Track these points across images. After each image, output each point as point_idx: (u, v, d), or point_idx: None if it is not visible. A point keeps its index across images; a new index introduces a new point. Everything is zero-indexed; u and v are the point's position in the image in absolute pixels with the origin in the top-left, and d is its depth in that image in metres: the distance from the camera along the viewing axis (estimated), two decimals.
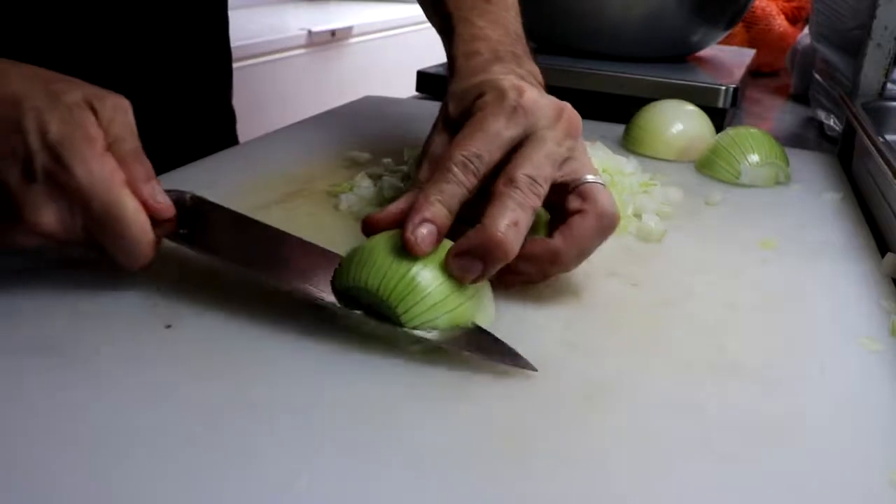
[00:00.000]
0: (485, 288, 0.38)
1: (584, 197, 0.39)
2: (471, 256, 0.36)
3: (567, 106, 0.42)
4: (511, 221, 0.36)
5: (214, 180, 0.56)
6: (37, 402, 0.31)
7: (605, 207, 0.39)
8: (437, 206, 0.37)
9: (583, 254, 0.40)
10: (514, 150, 0.40)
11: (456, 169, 0.38)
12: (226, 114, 0.82)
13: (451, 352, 0.35)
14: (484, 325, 0.37)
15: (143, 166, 0.38)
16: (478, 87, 0.43)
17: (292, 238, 0.42)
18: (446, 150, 0.40)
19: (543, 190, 0.38)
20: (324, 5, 2.49)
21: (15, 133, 0.35)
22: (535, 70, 0.48)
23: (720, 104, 0.78)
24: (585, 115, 0.81)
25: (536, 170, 0.38)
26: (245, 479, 0.27)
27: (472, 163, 0.38)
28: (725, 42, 1.03)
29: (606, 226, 0.39)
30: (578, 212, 0.39)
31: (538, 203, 0.38)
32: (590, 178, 0.40)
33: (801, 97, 1.05)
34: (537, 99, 0.41)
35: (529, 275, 0.40)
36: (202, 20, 0.74)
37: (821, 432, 0.32)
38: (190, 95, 0.73)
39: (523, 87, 0.41)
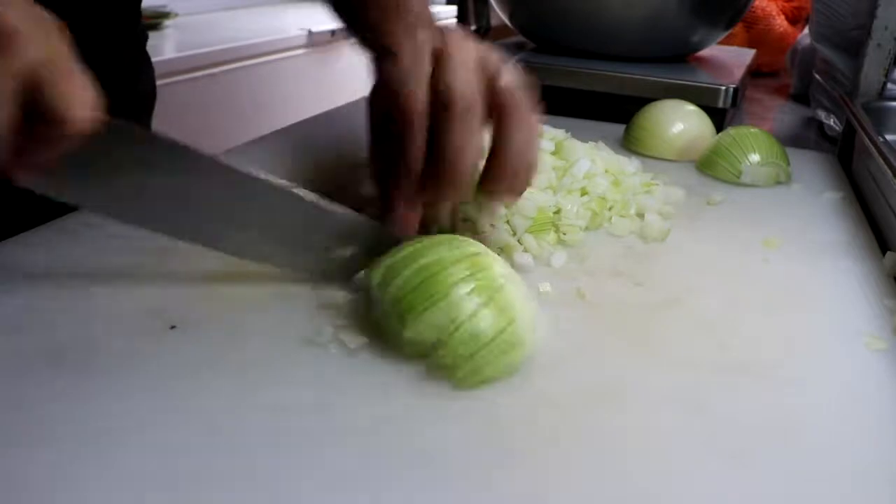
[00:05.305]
0: (527, 310, 0.35)
1: (500, 103, 0.40)
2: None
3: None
4: (461, 146, 0.39)
5: None
6: (42, 406, 0.31)
7: (523, 109, 0.40)
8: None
9: (530, 154, 0.41)
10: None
11: (412, 124, 0.39)
12: None
13: None
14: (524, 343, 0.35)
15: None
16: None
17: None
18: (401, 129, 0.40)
19: (478, 97, 0.39)
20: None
21: None
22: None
23: (720, 104, 0.78)
24: (585, 115, 0.82)
25: (461, 82, 0.39)
26: (248, 480, 0.27)
27: (417, 120, 0.40)
28: (725, 42, 1.03)
29: (532, 126, 0.41)
30: (500, 122, 0.40)
31: (479, 113, 0.39)
32: (505, 77, 0.40)
33: (801, 97, 1.05)
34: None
35: (506, 194, 0.42)
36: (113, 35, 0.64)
37: (824, 431, 0.32)
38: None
39: (411, 32, 0.41)
